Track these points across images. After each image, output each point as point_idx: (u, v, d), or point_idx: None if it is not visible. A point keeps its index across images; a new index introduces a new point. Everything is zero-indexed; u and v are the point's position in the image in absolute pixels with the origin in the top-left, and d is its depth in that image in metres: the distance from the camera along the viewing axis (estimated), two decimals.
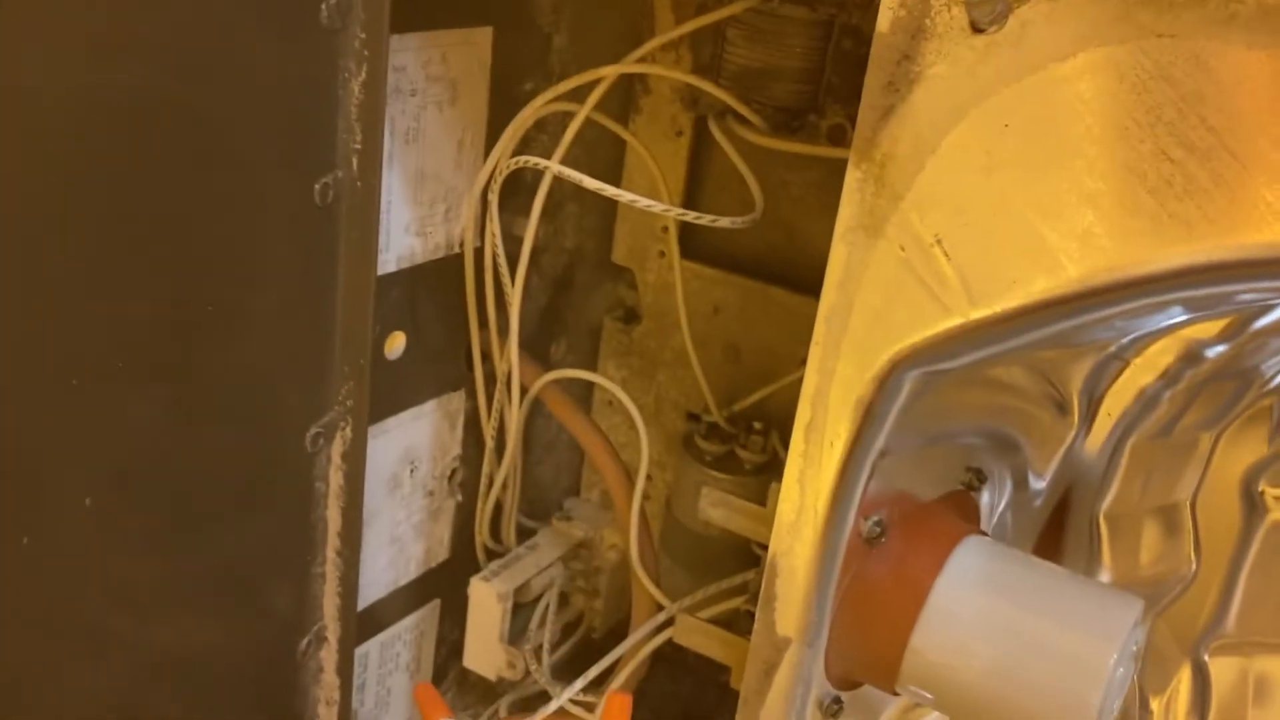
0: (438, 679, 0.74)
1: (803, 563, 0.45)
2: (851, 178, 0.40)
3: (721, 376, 0.71)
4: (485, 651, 0.69)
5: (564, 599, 0.75)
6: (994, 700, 0.45)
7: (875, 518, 0.46)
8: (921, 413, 0.44)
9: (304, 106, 0.48)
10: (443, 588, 0.70)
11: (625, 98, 0.70)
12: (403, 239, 0.57)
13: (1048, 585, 0.46)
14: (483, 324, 0.63)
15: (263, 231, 0.49)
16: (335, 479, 0.57)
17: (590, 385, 0.76)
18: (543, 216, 0.64)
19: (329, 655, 0.61)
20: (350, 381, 0.55)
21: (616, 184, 0.72)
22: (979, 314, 0.39)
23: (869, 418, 0.42)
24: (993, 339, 0.40)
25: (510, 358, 0.61)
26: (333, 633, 0.60)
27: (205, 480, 0.50)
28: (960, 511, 0.49)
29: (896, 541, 0.47)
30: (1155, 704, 0.57)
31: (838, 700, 0.49)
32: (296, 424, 0.54)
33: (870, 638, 0.47)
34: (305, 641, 0.59)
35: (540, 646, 0.68)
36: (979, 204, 0.38)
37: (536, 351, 0.70)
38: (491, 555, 0.71)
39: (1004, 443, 0.50)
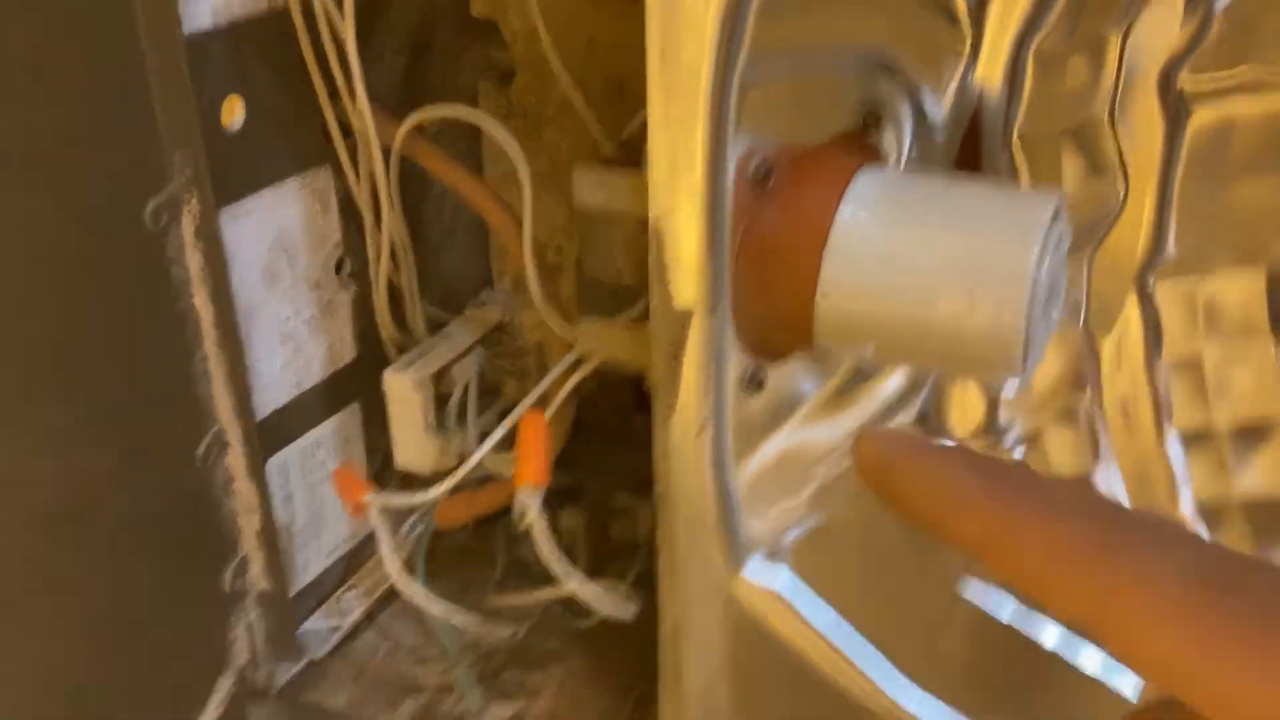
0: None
1: (687, 220, 0.41)
2: None
3: (605, 117, 0.66)
4: (414, 446, 0.65)
5: (494, 388, 0.71)
6: (920, 331, 0.41)
7: (760, 158, 0.42)
8: (783, 32, 0.40)
9: None
10: (359, 390, 0.66)
11: None
12: None
13: (955, 197, 0.42)
14: (334, 94, 0.58)
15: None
16: (194, 261, 0.52)
17: (480, 165, 0.71)
18: None
19: (236, 461, 0.57)
20: (183, 148, 0.50)
21: None
22: None
23: (728, 25, 0.38)
24: None
25: (363, 114, 0.55)
26: (233, 435, 0.56)
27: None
28: (855, 151, 0.45)
29: (787, 184, 0.42)
30: (1105, 347, 0.54)
31: (758, 374, 0.45)
32: (133, 201, 0.49)
33: (776, 292, 0.43)
34: (204, 447, 0.55)
35: (470, 429, 0.64)
36: None
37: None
38: (403, 350, 0.67)
39: (893, 71, 0.45)
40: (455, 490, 0.66)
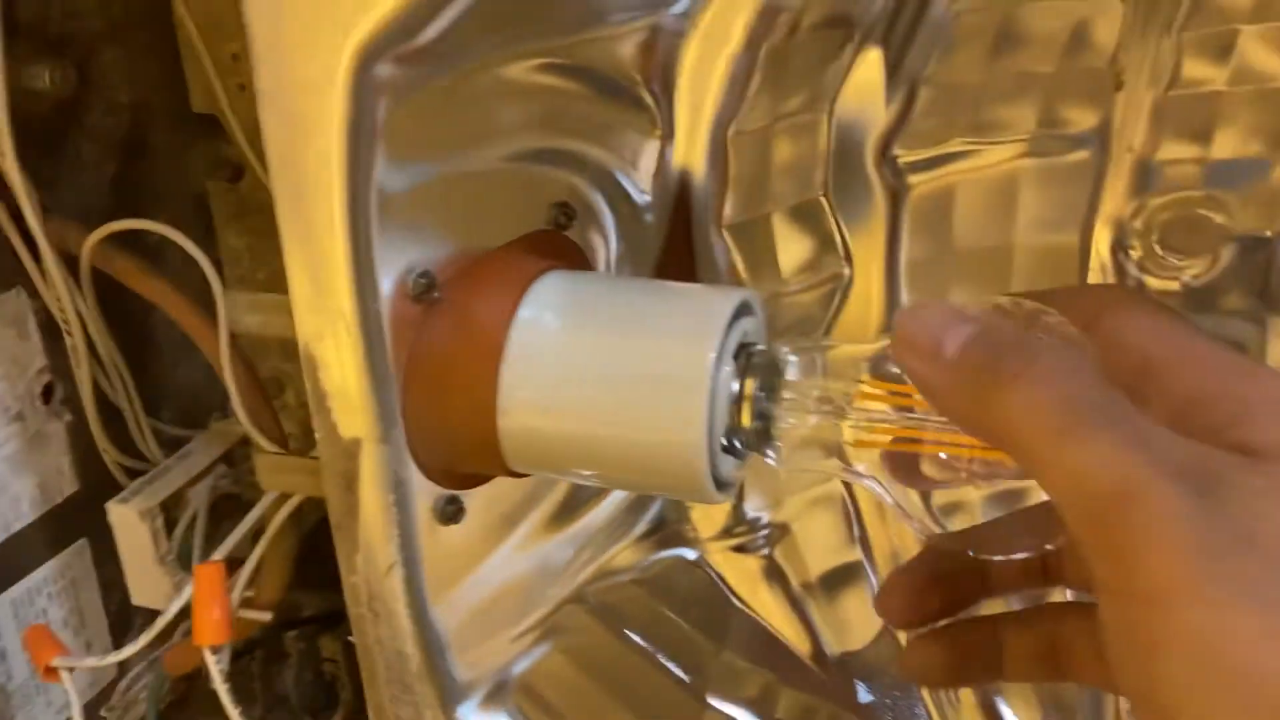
0: (120, 630, 0.64)
1: (338, 344, 0.37)
2: None
3: None
4: (147, 581, 0.59)
5: (247, 506, 0.65)
6: (606, 445, 0.38)
7: (419, 270, 0.38)
8: (426, 134, 0.37)
9: None
10: (87, 525, 0.60)
11: None
12: None
13: (638, 300, 0.39)
14: (16, 212, 0.53)
15: None
16: None
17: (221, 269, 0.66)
18: (61, 60, 0.54)
19: None
20: None
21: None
22: None
23: (353, 135, 0.34)
24: None
25: (35, 232, 0.50)
26: None
27: None
28: (547, 251, 0.42)
29: (459, 294, 0.39)
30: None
31: (454, 501, 0.41)
32: None
33: (454, 413, 0.39)
34: None
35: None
36: None
37: (128, 239, 0.59)
38: (136, 476, 0.61)
39: (579, 160, 0.43)
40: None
